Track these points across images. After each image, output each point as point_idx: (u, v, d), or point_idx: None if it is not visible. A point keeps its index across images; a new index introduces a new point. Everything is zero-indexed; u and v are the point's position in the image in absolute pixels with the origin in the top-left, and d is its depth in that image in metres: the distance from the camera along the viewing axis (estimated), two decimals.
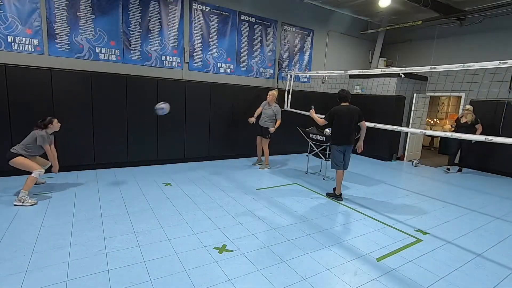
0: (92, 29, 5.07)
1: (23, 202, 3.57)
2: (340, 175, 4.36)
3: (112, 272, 2.35)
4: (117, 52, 5.36)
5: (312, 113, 4.67)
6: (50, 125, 3.89)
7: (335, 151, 4.32)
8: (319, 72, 6.98)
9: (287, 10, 7.31)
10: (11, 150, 3.75)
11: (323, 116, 4.41)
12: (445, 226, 3.66)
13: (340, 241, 3.10)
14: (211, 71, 6.45)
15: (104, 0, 5.10)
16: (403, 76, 7.21)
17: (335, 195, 4.43)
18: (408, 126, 7.63)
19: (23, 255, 2.52)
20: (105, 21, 5.16)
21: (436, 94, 8.01)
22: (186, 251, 2.72)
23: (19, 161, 3.70)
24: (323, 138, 5.39)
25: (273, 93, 5.89)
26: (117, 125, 5.39)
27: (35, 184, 4.18)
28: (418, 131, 4.72)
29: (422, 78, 7.96)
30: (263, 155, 6.18)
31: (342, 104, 4.27)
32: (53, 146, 3.97)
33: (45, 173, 3.92)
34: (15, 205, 3.54)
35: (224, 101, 6.52)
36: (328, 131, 5.73)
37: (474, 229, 3.64)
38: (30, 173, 3.70)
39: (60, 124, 4.02)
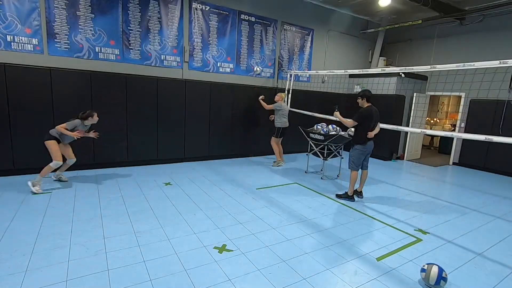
0: (92, 29, 5.06)
1: (33, 185, 3.96)
2: (355, 175, 4.34)
3: (112, 272, 2.35)
4: (116, 51, 5.34)
5: (338, 114, 4.54)
6: (90, 117, 4.27)
7: (357, 152, 4.27)
8: (319, 71, 6.98)
9: (287, 9, 7.30)
10: (50, 131, 4.08)
11: (350, 119, 4.26)
12: (445, 226, 3.66)
13: (340, 241, 3.10)
14: (211, 71, 6.44)
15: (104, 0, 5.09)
16: (403, 75, 7.21)
17: (348, 196, 4.40)
18: (408, 126, 7.63)
19: (22, 255, 2.52)
20: (105, 21, 5.14)
21: (436, 93, 8.01)
22: (186, 251, 2.72)
23: (51, 145, 4.03)
24: (322, 138, 5.39)
25: (280, 95, 6.32)
26: (117, 125, 5.38)
27: (60, 180, 4.54)
28: (419, 130, 4.72)
29: (422, 77, 7.95)
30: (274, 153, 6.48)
31: (369, 104, 4.23)
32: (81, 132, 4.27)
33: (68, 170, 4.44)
34: (29, 187, 3.96)
35: (224, 100, 6.52)
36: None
37: (474, 228, 3.64)
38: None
39: (98, 118, 4.37)
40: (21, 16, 4.52)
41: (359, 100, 4.29)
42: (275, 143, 6.28)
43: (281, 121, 6.12)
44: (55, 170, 4.27)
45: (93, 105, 5.10)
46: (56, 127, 4.05)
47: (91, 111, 4.30)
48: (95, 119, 4.32)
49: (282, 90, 7.19)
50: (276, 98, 6.22)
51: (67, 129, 4.06)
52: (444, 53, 7.97)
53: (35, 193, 3.91)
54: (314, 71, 7.08)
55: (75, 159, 4.46)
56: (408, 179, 6.03)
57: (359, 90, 8.31)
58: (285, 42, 7.42)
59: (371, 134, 4.21)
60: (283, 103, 6.23)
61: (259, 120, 7.02)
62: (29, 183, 3.98)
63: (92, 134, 4.43)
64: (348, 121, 4.29)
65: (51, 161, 4.00)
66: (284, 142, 6.65)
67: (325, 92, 8.19)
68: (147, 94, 5.59)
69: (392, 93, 7.42)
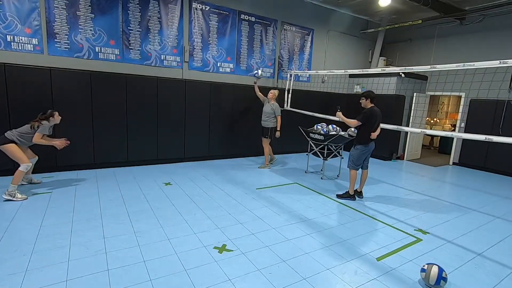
0: (92, 28, 5.05)
1: (13, 196, 3.67)
2: (354, 174, 4.35)
3: (112, 272, 2.35)
4: (116, 51, 5.34)
5: (340, 114, 4.47)
6: (51, 118, 3.97)
7: (359, 151, 4.26)
8: (319, 71, 6.98)
9: (287, 9, 7.30)
10: (5, 134, 3.75)
11: (354, 119, 4.22)
12: (445, 226, 3.66)
13: (340, 241, 3.10)
14: (211, 71, 6.43)
15: None
16: (403, 75, 7.21)
17: (349, 195, 4.41)
18: (408, 126, 7.63)
19: (23, 255, 2.52)
20: (105, 21, 5.14)
21: (436, 93, 8.01)
22: (186, 251, 2.72)
23: (10, 149, 3.70)
24: (322, 138, 5.38)
25: (274, 92, 6.04)
26: (117, 125, 5.38)
27: (31, 183, 4.32)
28: (418, 130, 4.72)
29: (422, 77, 7.95)
30: (270, 153, 6.25)
31: (372, 105, 4.21)
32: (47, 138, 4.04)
33: (43, 172, 3.87)
34: (5, 199, 3.63)
35: (224, 100, 6.52)
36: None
37: (474, 228, 3.64)
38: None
39: (60, 117, 4.12)
40: (21, 16, 4.52)
41: (363, 101, 4.27)
42: (266, 145, 6.03)
43: (274, 120, 5.91)
44: None
45: (93, 105, 5.10)
46: (34, 141, 3.79)
47: (52, 111, 4.01)
48: (56, 119, 4.03)
49: (282, 90, 7.18)
50: (269, 95, 5.97)
51: (47, 138, 3.90)
52: (444, 53, 7.97)
53: (14, 200, 3.65)
54: (314, 71, 7.08)
55: (37, 157, 4.22)
56: (408, 179, 6.03)
57: (359, 90, 8.32)
58: (285, 42, 7.42)
59: (374, 135, 4.21)
60: (271, 101, 5.92)
61: (259, 120, 7.01)
62: (5, 196, 3.63)
63: (59, 142, 4.02)
64: (352, 122, 4.26)
65: (19, 165, 3.72)
66: (284, 142, 6.66)
67: (325, 92, 8.19)
68: (147, 94, 5.59)
69: (392, 93, 7.42)
